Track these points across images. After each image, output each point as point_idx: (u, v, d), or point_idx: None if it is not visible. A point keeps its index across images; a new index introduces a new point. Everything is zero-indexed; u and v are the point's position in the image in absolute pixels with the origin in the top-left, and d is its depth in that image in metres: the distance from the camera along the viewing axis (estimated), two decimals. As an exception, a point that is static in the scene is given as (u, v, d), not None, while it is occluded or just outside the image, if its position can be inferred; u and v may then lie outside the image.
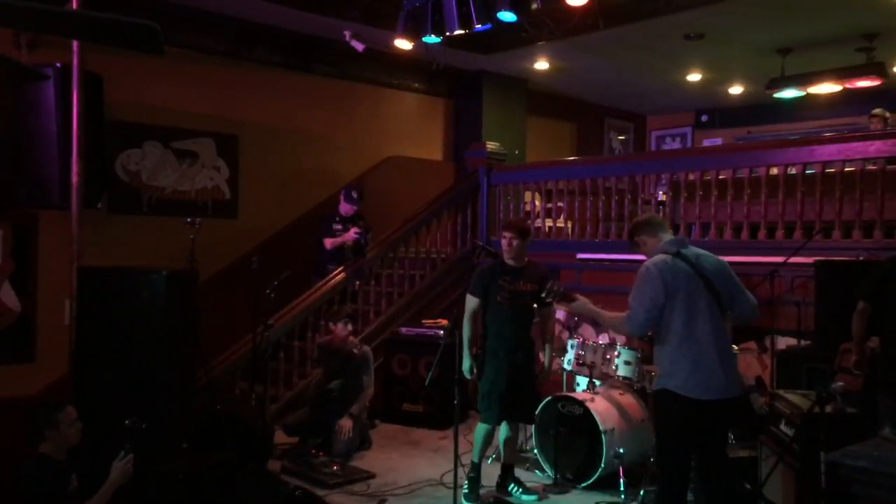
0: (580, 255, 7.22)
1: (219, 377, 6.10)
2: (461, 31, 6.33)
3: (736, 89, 10.30)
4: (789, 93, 8.61)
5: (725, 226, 6.53)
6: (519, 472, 5.25)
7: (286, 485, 4.96)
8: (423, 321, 7.31)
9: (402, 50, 7.46)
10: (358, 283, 7.47)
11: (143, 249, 6.76)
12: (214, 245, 6.85)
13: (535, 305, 4.92)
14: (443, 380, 5.51)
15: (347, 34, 7.55)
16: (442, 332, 6.55)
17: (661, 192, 7.04)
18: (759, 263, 5.90)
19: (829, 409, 3.61)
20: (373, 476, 5.36)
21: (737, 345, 5.32)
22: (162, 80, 7.19)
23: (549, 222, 8.06)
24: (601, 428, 4.96)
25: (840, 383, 3.75)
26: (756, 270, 5.87)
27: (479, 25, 6.20)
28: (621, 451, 4.93)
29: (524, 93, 10.01)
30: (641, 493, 4.77)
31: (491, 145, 8.29)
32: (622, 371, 5.39)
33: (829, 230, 5.82)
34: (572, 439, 5.15)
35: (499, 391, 4.81)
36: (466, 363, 4.86)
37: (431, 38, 6.59)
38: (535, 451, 5.43)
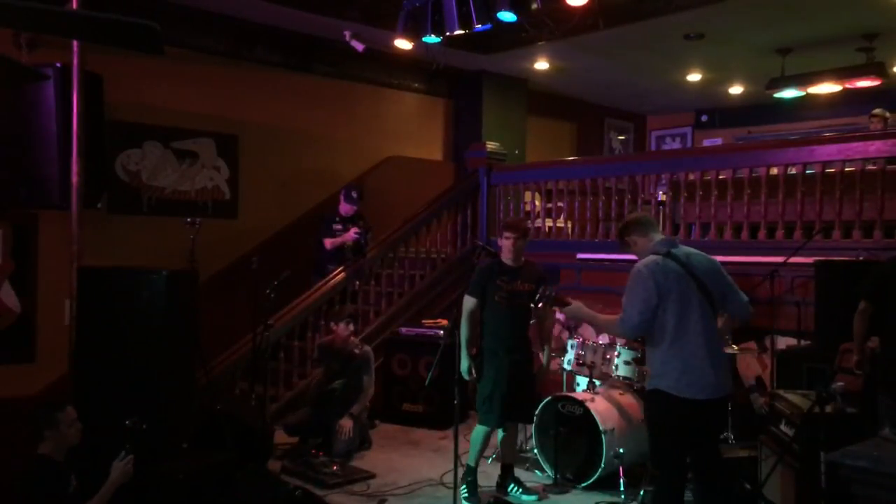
0: (580, 255, 7.22)
1: (219, 377, 6.10)
2: (461, 31, 6.33)
3: (736, 89, 10.30)
4: (789, 93, 8.61)
5: (725, 226, 6.53)
6: (519, 472, 5.25)
7: (286, 485, 4.97)
8: (423, 321, 7.32)
9: (402, 50, 7.46)
10: (358, 283, 7.47)
11: (143, 249, 6.76)
12: (214, 245, 6.85)
13: (532, 306, 4.92)
14: (443, 380, 5.51)
15: (347, 34, 7.55)
16: (442, 332, 6.55)
17: (661, 192, 7.03)
18: (759, 263, 5.90)
19: (829, 409, 3.61)
20: (373, 476, 5.36)
21: (737, 345, 5.32)
22: (162, 80, 7.19)
23: (549, 222, 8.07)
24: (601, 428, 4.96)
25: (840, 383, 3.75)
26: (756, 270, 5.87)
27: (479, 25, 6.20)
28: (621, 451, 4.93)
29: (524, 93, 10.01)
30: (641, 493, 4.77)
31: (491, 145, 8.29)
32: (622, 371, 5.39)
33: (829, 230, 5.81)
34: (572, 439, 5.15)
35: (501, 394, 4.80)
36: (465, 364, 4.84)
37: (431, 38, 6.59)
38: (535, 451, 5.43)
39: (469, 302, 4.90)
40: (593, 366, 5.50)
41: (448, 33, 6.40)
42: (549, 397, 5.34)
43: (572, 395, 5.35)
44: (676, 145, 11.99)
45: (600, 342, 5.56)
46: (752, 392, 5.37)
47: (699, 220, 6.97)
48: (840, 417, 3.77)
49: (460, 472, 4.57)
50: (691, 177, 6.94)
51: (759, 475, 4.33)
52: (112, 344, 4.58)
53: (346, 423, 5.77)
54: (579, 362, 5.59)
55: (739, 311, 3.83)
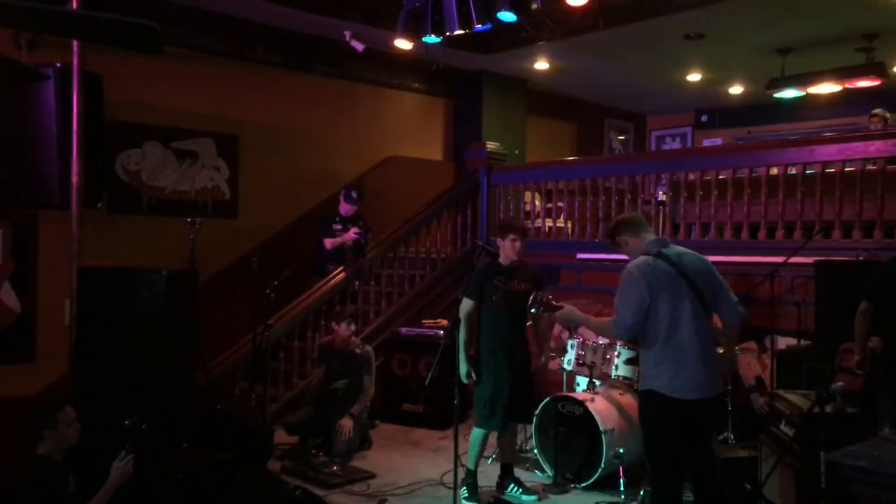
0: (580, 255, 7.22)
1: (219, 377, 6.10)
2: (461, 31, 6.33)
3: (736, 89, 10.30)
4: (789, 93, 8.61)
5: (725, 226, 6.53)
6: (519, 472, 5.25)
7: (286, 485, 4.96)
8: (423, 321, 7.31)
9: (402, 50, 7.46)
10: (358, 283, 7.47)
11: (143, 249, 6.76)
12: (214, 245, 6.85)
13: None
14: (443, 380, 5.50)
15: (347, 34, 7.56)
16: (442, 332, 6.55)
17: (661, 192, 7.03)
18: (759, 263, 5.90)
19: (829, 409, 3.61)
20: (373, 476, 5.36)
21: (737, 345, 5.31)
22: (162, 80, 7.19)
23: (549, 222, 8.06)
24: (601, 428, 4.96)
25: (840, 383, 3.75)
26: (756, 270, 5.87)
27: (479, 25, 6.20)
28: (621, 451, 4.93)
29: (524, 93, 10.01)
30: (641, 493, 4.77)
31: (491, 145, 8.28)
32: (622, 371, 5.39)
33: (829, 230, 5.82)
34: (572, 439, 5.15)
35: (502, 399, 4.79)
36: (464, 368, 4.79)
37: (431, 38, 6.59)
38: (535, 451, 5.43)
39: (467, 304, 4.86)
40: (593, 366, 5.49)
41: (448, 33, 6.41)
42: (549, 397, 5.33)
43: (572, 395, 5.35)
44: (676, 145, 11.99)
45: (600, 342, 5.56)
46: (752, 392, 5.37)
47: (699, 220, 6.97)
48: (840, 417, 3.77)
49: (460, 472, 4.56)
50: (691, 177, 6.94)
51: (759, 475, 4.33)
52: (112, 344, 4.58)
53: (347, 423, 5.77)
54: (579, 362, 5.58)
55: (729, 312, 3.81)
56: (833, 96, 8.90)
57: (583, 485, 5.09)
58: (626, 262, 3.89)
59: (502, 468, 5.14)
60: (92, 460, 3.90)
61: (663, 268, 3.67)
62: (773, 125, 10.75)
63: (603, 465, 4.95)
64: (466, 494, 4.86)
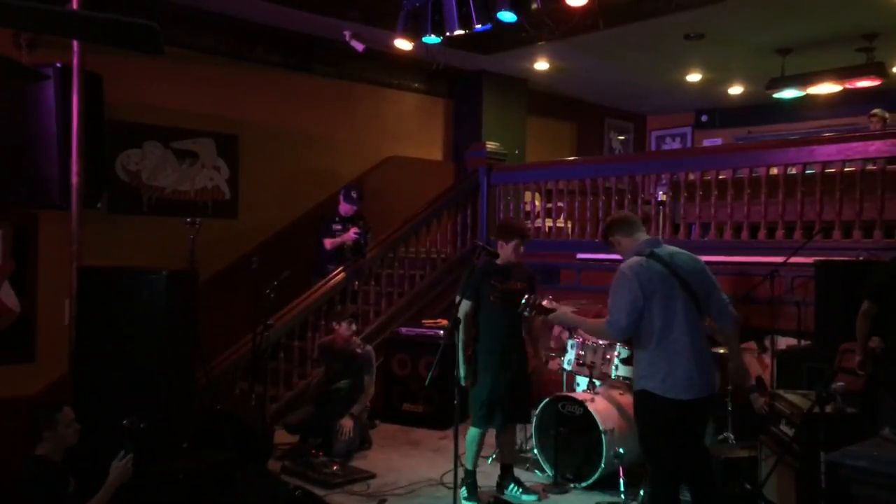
0: (580, 255, 7.22)
1: (219, 377, 6.10)
2: (461, 31, 6.33)
3: (736, 89, 10.30)
4: (789, 93, 8.61)
5: (725, 226, 6.53)
6: (519, 472, 5.25)
7: (286, 485, 4.96)
8: (423, 321, 7.31)
9: (402, 50, 7.46)
10: (358, 283, 7.47)
11: (143, 249, 6.76)
12: (214, 245, 6.85)
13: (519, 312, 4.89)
14: (443, 380, 5.51)
15: (347, 34, 7.56)
16: (442, 332, 6.55)
17: (661, 192, 7.02)
18: (759, 263, 5.90)
19: (829, 409, 3.61)
20: (373, 476, 5.36)
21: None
22: (162, 80, 7.19)
23: (549, 222, 8.06)
24: (601, 428, 4.96)
25: (840, 383, 3.75)
26: (756, 270, 5.87)
27: (479, 25, 6.20)
28: (621, 451, 4.93)
29: (524, 93, 10.01)
30: (641, 493, 4.77)
31: (491, 145, 8.28)
32: (622, 371, 5.39)
33: (829, 230, 5.82)
34: (572, 439, 5.15)
35: (499, 398, 4.80)
36: (464, 371, 4.77)
37: (431, 38, 6.59)
38: (535, 451, 5.43)
39: (465, 305, 4.84)
40: (593, 366, 5.49)
41: (448, 33, 6.40)
42: (549, 397, 5.34)
43: (572, 395, 5.35)
44: (676, 145, 11.99)
45: (600, 342, 5.56)
46: (752, 392, 5.36)
47: (699, 220, 6.97)
48: (840, 417, 3.77)
49: (460, 472, 4.56)
50: (691, 177, 6.94)
51: (759, 475, 4.33)
52: (112, 344, 4.58)
53: (347, 423, 5.77)
54: (579, 362, 5.58)
55: (720, 312, 3.80)
56: (833, 96, 8.91)
57: (583, 485, 5.09)
58: (626, 262, 3.88)
59: (502, 468, 5.14)
60: (92, 460, 3.90)
61: (656, 268, 3.66)
62: (773, 125, 10.75)
63: (603, 465, 4.95)
64: (466, 494, 4.86)
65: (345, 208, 7.28)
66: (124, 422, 3.85)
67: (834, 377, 4.06)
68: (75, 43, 4.72)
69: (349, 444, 5.79)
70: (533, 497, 4.98)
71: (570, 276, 7.29)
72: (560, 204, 8.00)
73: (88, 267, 4.92)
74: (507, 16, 6.17)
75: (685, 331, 3.61)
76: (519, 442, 5.67)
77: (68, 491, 3.74)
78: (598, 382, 5.52)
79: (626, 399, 5.39)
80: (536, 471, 5.46)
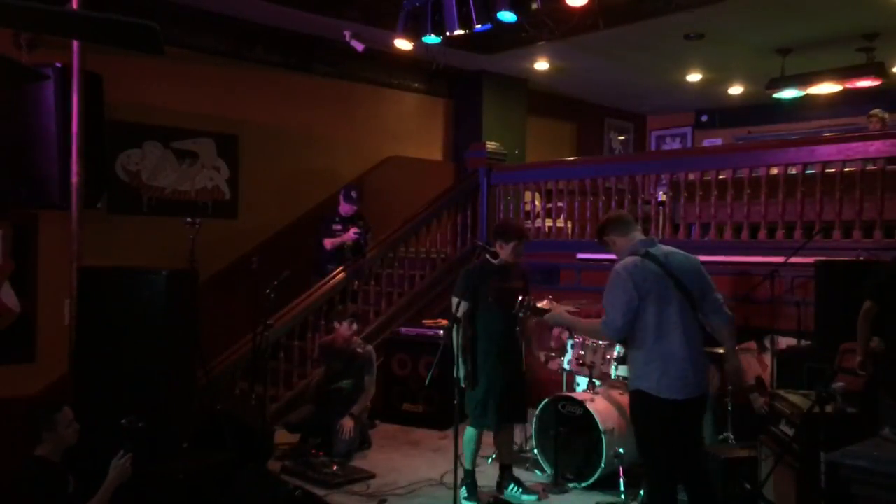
0: (580, 255, 7.22)
1: (219, 377, 6.10)
2: (461, 31, 6.33)
3: (736, 89, 10.30)
4: (789, 93, 8.61)
5: (725, 226, 6.53)
6: (519, 472, 5.25)
7: (286, 485, 4.96)
8: (424, 321, 7.32)
9: (402, 50, 7.46)
10: (357, 283, 7.47)
11: (143, 249, 6.76)
12: (214, 245, 6.85)
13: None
14: (443, 380, 5.51)
15: (347, 34, 7.55)
16: (442, 332, 6.55)
17: (661, 192, 7.03)
18: (759, 263, 5.90)
19: (829, 409, 3.61)
20: (373, 476, 5.36)
21: (737, 345, 5.31)
22: (162, 80, 7.19)
23: (549, 222, 8.06)
24: (601, 428, 4.96)
25: (840, 383, 3.75)
26: (756, 270, 5.87)
27: (479, 25, 6.20)
28: (621, 451, 4.93)
29: (524, 93, 10.01)
30: (641, 493, 4.77)
31: (491, 145, 8.28)
32: (622, 371, 5.38)
33: (829, 230, 5.82)
34: (572, 439, 5.15)
35: (495, 398, 4.80)
36: (463, 372, 4.76)
37: (431, 38, 6.59)
38: (535, 451, 5.43)
39: (464, 306, 4.83)
40: (593, 366, 5.49)
41: (448, 33, 6.40)
42: (549, 397, 5.34)
43: (572, 395, 5.35)
44: (676, 145, 11.98)
45: (600, 342, 5.56)
46: (752, 392, 5.36)
47: (699, 220, 6.97)
48: (840, 417, 3.77)
49: (460, 472, 4.56)
50: (691, 177, 6.94)
51: (759, 475, 4.33)
52: (112, 344, 4.58)
53: (348, 423, 5.77)
54: (579, 362, 5.58)
55: (714, 312, 3.78)
56: (833, 96, 8.90)
57: (583, 485, 5.09)
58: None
59: (501, 468, 5.14)
60: (92, 460, 3.90)
61: (651, 268, 3.66)
62: (773, 125, 10.75)
63: (603, 465, 4.95)
64: (466, 494, 4.87)
65: (345, 208, 7.28)
66: (123, 421, 3.84)
67: (834, 377, 4.06)
68: (75, 43, 4.72)
69: (349, 444, 5.79)
70: (533, 497, 4.98)
71: (570, 276, 7.29)
72: (560, 204, 8.00)
73: (88, 267, 4.92)
74: (507, 16, 6.17)
75: (680, 331, 3.61)
76: (519, 442, 5.67)
77: (68, 491, 3.74)
78: (597, 382, 5.52)
79: (626, 399, 5.36)
80: (536, 471, 5.46)
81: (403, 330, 7.23)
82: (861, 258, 5.28)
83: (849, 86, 8.19)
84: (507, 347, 4.90)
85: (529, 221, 8.09)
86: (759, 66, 8.72)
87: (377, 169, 8.97)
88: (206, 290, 6.26)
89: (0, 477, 4.49)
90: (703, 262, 3.93)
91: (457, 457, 4.44)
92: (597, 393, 5.37)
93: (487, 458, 5.51)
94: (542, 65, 9.17)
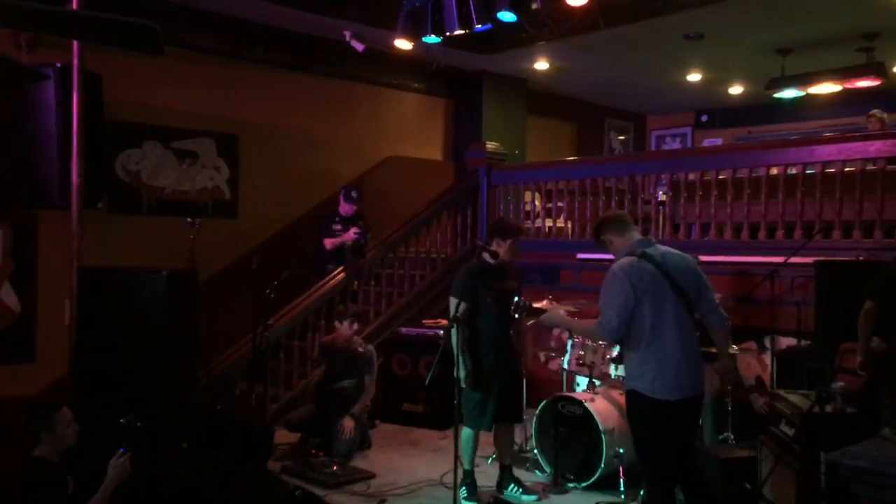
0: (580, 255, 7.22)
1: (219, 377, 6.10)
2: (461, 31, 6.33)
3: (736, 89, 10.30)
4: (789, 93, 8.61)
5: (725, 226, 6.53)
6: (519, 472, 5.25)
7: (286, 485, 4.96)
8: (424, 321, 7.32)
9: (402, 50, 7.46)
10: (357, 283, 7.47)
11: (143, 249, 6.76)
12: (214, 245, 6.85)
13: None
14: (443, 380, 5.51)
15: (347, 34, 7.55)
16: (442, 332, 6.55)
17: (661, 192, 7.03)
18: (759, 263, 5.90)
19: (829, 409, 3.61)
20: (373, 476, 5.36)
21: (737, 345, 5.32)
22: (162, 80, 7.19)
23: (549, 222, 8.06)
24: (601, 428, 4.96)
25: (840, 383, 3.75)
26: (756, 270, 5.87)
27: (479, 25, 6.20)
28: (621, 451, 4.93)
29: (524, 93, 10.02)
30: (641, 493, 4.76)
31: (491, 145, 8.28)
32: (622, 371, 5.38)
33: (829, 230, 5.82)
34: (572, 439, 5.15)
35: (493, 399, 4.80)
36: (464, 373, 4.72)
37: (431, 38, 6.58)
38: (535, 451, 5.43)
39: (464, 307, 4.80)
40: (593, 366, 5.49)
41: (448, 33, 6.40)
42: (549, 397, 5.34)
43: (572, 395, 5.35)
44: (676, 145, 11.99)
45: (600, 342, 5.56)
46: (752, 392, 5.36)
47: (699, 220, 6.97)
48: (840, 417, 3.77)
49: (460, 472, 4.56)
50: (691, 177, 6.94)
51: (759, 475, 4.33)
52: (112, 344, 4.58)
53: (349, 423, 5.77)
54: (579, 362, 5.58)
55: (710, 312, 3.78)
56: (833, 96, 8.90)
57: (583, 485, 5.09)
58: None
59: (501, 468, 5.14)
60: (91, 461, 3.90)
61: (647, 268, 3.65)
62: (773, 125, 10.75)
63: (603, 465, 4.95)
64: (466, 494, 4.87)
65: (345, 208, 7.28)
66: (121, 420, 3.83)
67: (834, 377, 4.06)
68: (75, 43, 4.71)
69: (350, 444, 5.79)
70: (533, 497, 4.97)
71: (570, 276, 7.29)
72: (560, 204, 8.00)
73: (88, 267, 4.92)
74: (507, 16, 6.17)
75: (675, 332, 3.61)
76: (519, 442, 5.67)
77: (67, 492, 3.73)
78: (597, 382, 5.52)
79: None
80: (536, 471, 5.46)
81: (403, 330, 7.23)
82: (861, 258, 5.28)
83: (849, 86, 8.19)
84: (505, 348, 4.90)
85: (529, 221, 8.09)
86: (759, 66, 8.72)
87: (377, 169, 8.97)
88: (206, 290, 6.26)
89: (0, 477, 4.49)
90: (704, 262, 3.93)
91: (457, 457, 4.44)
92: (597, 393, 5.37)
93: (487, 457, 5.51)
94: (542, 65, 9.17)
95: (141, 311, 4.57)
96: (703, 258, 4.91)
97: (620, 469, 4.93)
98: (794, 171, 6.15)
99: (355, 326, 6.18)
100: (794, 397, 4.22)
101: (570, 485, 5.15)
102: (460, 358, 4.72)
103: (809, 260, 5.36)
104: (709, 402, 5.17)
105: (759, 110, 10.77)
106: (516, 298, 4.15)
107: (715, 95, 10.61)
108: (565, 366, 5.71)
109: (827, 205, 5.91)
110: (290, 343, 6.95)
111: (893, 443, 3.06)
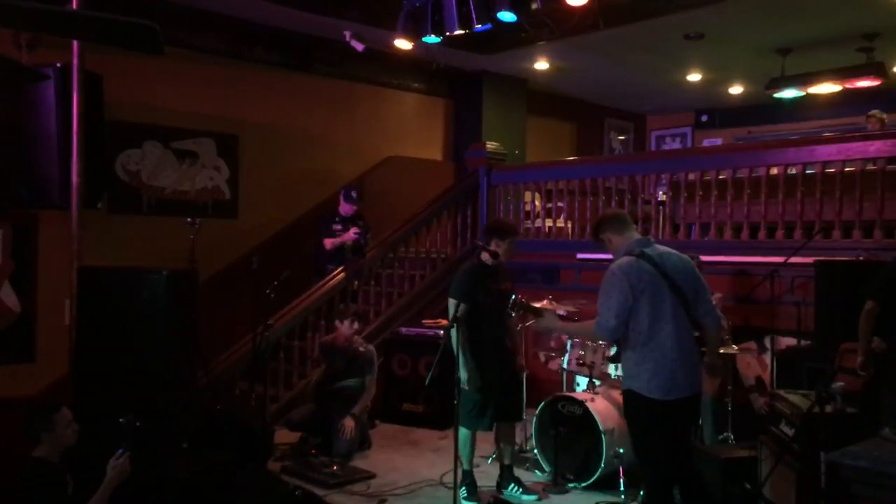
0: (580, 255, 7.23)
1: (219, 377, 6.10)
2: (461, 31, 6.33)
3: (736, 89, 10.30)
4: (789, 93, 8.61)
5: (725, 226, 6.53)
6: (519, 472, 5.25)
7: (286, 485, 4.96)
8: (424, 321, 7.32)
9: (402, 50, 7.46)
10: (357, 283, 7.47)
11: (143, 249, 6.76)
12: (214, 245, 6.85)
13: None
14: (443, 380, 5.50)
15: (347, 34, 7.55)
16: (442, 332, 6.55)
17: (661, 192, 7.04)
18: (759, 263, 5.91)
19: (829, 409, 3.60)
20: (373, 476, 5.36)
21: (737, 345, 5.32)
22: (162, 80, 7.19)
23: (549, 222, 8.06)
24: (601, 428, 4.96)
25: (840, 383, 3.75)
26: (756, 270, 5.87)
27: (479, 25, 6.20)
28: (621, 451, 4.93)
29: (524, 93, 10.02)
30: (641, 493, 4.76)
31: (491, 145, 8.29)
32: (621, 370, 5.38)
33: (829, 230, 5.82)
34: (572, 439, 5.15)
35: (491, 399, 4.81)
36: (465, 374, 4.70)
37: (431, 38, 6.59)
38: (535, 451, 5.43)
39: (463, 308, 4.80)
40: (593, 365, 5.49)
41: (448, 33, 6.40)
42: (549, 397, 5.34)
43: (572, 395, 5.35)
44: (676, 145, 11.99)
45: (600, 342, 5.56)
46: (752, 392, 5.36)
47: (699, 220, 6.97)
48: (840, 417, 3.77)
49: (460, 472, 4.56)
50: (691, 177, 6.94)
51: (759, 475, 4.33)
52: (112, 344, 4.58)
53: (349, 423, 5.77)
54: (579, 362, 5.58)
55: (706, 314, 3.78)
56: (833, 96, 8.90)
57: (583, 485, 5.09)
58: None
59: (501, 468, 5.14)
60: (91, 461, 3.89)
61: (645, 268, 3.65)
62: (773, 125, 10.75)
63: (603, 465, 4.95)
64: (466, 494, 4.87)
65: (345, 208, 7.28)
66: (120, 419, 3.83)
67: (834, 377, 4.06)
68: (75, 43, 4.71)
69: (350, 443, 5.79)
70: (533, 497, 4.98)
71: (570, 276, 7.29)
72: (560, 204, 8.00)
73: (88, 267, 4.92)
74: (507, 16, 6.17)
75: (672, 332, 3.61)
76: (519, 442, 5.67)
77: (67, 492, 3.73)
78: (597, 382, 5.52)
79: (626, 399, 5.39)
80: (536, 471, 5.47)
81: (403, 330, 7.23)
82: (861, 258, 5.28)
83: (849, 86, 8.19)
84: (501, 348, 4.90)
85: (529, 221, 8.09)
86: (759, 66, 8.72)
87: (377, 169, 8.97)
88: (206, 290, 6.26)
89: (0, 477, 4.49)
90: (704, 262, 3.93)
91: (457, 457, 4.44)
92: (597, 393, 5.37)
93: (488, 457, 5.51)
94: (542, 65, 9.17)
95: (141, 312, 4.57)
96: (703, 258, 4.90)
97: (620, 469, 4.93)
98: (794, 171, 6.15)
99: (356, 326, 6.18)
100: (794, 397, 4.22)
101: (570, 485, 5.15)
102: (461, 359, 4.72)
103: (809, 260, 5.36)
104: (709, 402, 5.17)
105: (759, 110, 10.76)
106: (513, 297, 4.15)
107: (715, 95, 10.61)
108: (565, 366, 5.72)
109: (827, 205, 5.91)
110: (290, 343, 6.95)
111: (893, 443, 3.06)
